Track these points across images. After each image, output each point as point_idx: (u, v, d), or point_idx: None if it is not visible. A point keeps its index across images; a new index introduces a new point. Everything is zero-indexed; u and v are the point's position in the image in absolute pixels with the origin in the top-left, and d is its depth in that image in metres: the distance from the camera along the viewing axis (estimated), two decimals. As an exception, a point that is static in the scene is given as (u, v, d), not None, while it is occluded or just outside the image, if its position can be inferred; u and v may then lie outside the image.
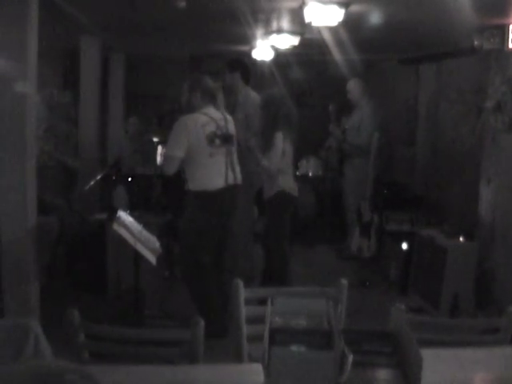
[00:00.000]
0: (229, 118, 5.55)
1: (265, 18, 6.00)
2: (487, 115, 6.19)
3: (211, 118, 5.30)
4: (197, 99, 5.34)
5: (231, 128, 5.47)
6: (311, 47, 7.79)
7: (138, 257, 4.82)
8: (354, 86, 8.04)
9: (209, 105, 5.39)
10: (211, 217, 5.30)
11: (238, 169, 5.49)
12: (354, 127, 7.94)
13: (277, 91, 6.42)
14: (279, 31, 6.53)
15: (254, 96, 6.70)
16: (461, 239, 6.13)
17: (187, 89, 5.39)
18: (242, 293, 3.27)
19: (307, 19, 5.02)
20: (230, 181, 5.37)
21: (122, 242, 4.70)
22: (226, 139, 5.32)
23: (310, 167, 9.27)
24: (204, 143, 5.19)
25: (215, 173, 5.29)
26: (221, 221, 5.41)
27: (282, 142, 5.95)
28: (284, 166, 6.04)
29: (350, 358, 2.21)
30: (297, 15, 5.44)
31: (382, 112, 8.27)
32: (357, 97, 8.03)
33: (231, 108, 6.44)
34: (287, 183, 6.10)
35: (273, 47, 7.62)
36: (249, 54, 8.43)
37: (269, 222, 6.15)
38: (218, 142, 5.24)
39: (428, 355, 2.26)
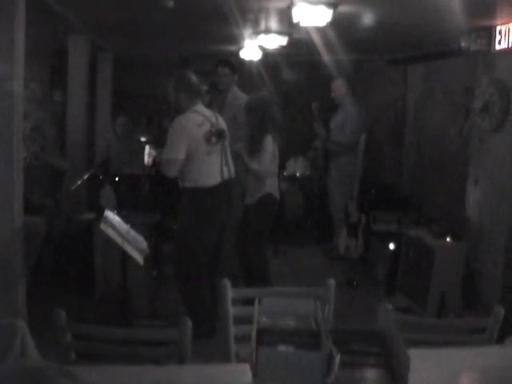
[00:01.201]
0: (217, 113, 5.58)
1: (253, 18, 6.00)
2: (474, 116, 6.22)
3: (204, 116, 5.33)
4: (182, 98, 5.34)
5: (222, 123, 5.52)
6: (299, 47, 7.79)
7: (125, 257, 4.81)
8: (338, 86, 8.05)
9: (197, 102, 5.39)
10: (209, 212, 5.31)
11: (231, 163, 5.53)
12: (338, 126, 7.95)
13: (265, 94, 6.42)
14: (267, 31, 6.53)
15: (241, 96, 6.72)
16: (448, 239, 6.15)
17: (173, 88, 5.39)
18: (230, 293, 3.27)
19: (295, 19, 5.02)
20: (226, 176, 5.43)
21: (110, 241, 4.70)
22: (220, 135, 5.36)
23: (298, 167, 9.27)
24: (202, 142, 5.23)
25: (212, 169, 5.34)
26: (218, 216, 5.41)
27: (272, 146, 5.95)
28: (272, 169, 6.06)
29: (338, 357, 2.22)
30: (285, 15, 5.44)
31: (366, 112, 8.28)
32: (341, 96, 8.04)
33: (219, 107, 6.45)
34: (273, 186, 6.11)
35: (261, 47, 7.62)
36: (237, 54, 8.43)
37: (252, 224, 6.11)
38: (213, 139, 5.29)
39: (415, 355, 2.26)
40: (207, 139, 5.25)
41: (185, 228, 5.41)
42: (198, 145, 5.22)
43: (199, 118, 5.29)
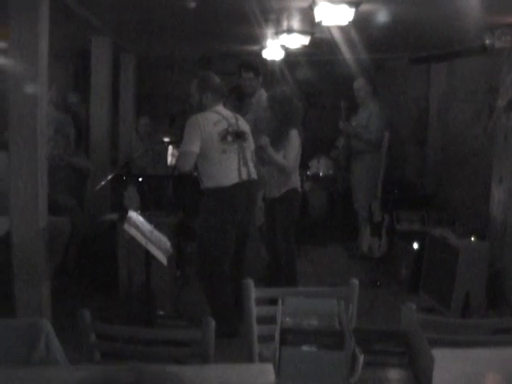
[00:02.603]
0: (238, 115, 5.59)
1: (275, 18, 6.00)
2: (499, 114, 6.17)
3: (222, 115, 5.35)
4: (208, 99, 5.37)
5: (242, 125, 5.51)
6: (321, 47, 7.78)
7: (149, 257, 4.83)
8: (360, 85, 8.04)
9: (219, 103, 5.43)
10: (227, 213, 5.31)
11: (251, 164, 5.50)
12: (362, 125, 7.93)
13: (286, 89, 6.40)
14: (289, 31, 6.53)
15: (265, 97, 6.69)
16: (472, 239, 6.11)
17: (196, 89, 5.42)
18: (253, 293, 3.27)
19: (317, 19, 5.03)
20: (244, 176, 5.38)
21: (133, 242, 4.72)
22: (238, 136, 5.36)
23: (321, 167, 9.26)
24: (216, 140, 5.24)
25: (228, 169, 5.32)
26: (237, 217, 5.40)
27: (298, 140, 5.95)
28: (298, 164, 6.05)
29: (361, 358, 2.21)
30: (307, 15, 5.44)
31: (388, 110, 8.25)
32: (363, 95, 8.02)
33: (244, 109, 6.45)
34: (298, 181, 6.11)
35: (283, 47, 7.63)
36: (259, 54, 8.43)
37: (278, 220, 6.11)
38: (229, 138, 5.30)
39: (439, 355, 2.25)
40: (222, 137, 5.26)
41: (203, 228, 5.44)
42: (212, 142, 5.23)
43: (215, 117, 5.32)
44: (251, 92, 6.78)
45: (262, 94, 6.79)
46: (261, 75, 6.84)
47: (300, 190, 6.17)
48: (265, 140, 5.85)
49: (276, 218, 6.07)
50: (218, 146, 5.26)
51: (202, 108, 5.39)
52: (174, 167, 6.53)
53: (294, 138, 5.93)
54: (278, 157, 5.88)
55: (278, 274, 6.11)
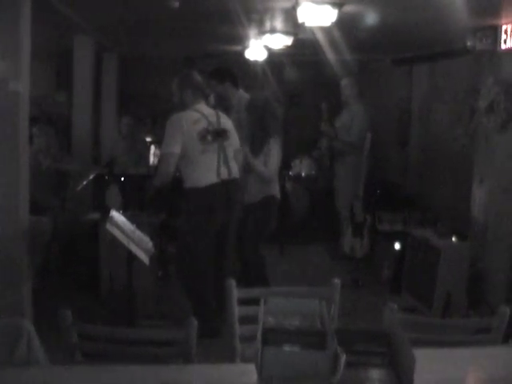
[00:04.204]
0: (221, 113, 5.53)
1: (258, 18, 6.00)
2: (480, 115, 6.21)
3: (202, 114, 5.30)
4: (188, 96, 5.35)
5: (224, 123, 5.45)
6: (304, 47, 7.79)
7: (130, 257, 4.81)
8: (347, 83, 8.04)
9: (200, 101, 5.40)
10: (206, 213, 5.28)
11: (233, 163, 5.43)
12: (345, 126, 7.94)
13: (265, 93, 6.38)
14: (272, 31, 6.53)
15: (246, 99, 6.65)
16: (453, 239, 6.14)
17: (178, 87, 5.40)
18: (235, 293, 3.27)
19: (300, 19, 5.03)
20: (224, 176, 5.32)
21: (115, 241, 4.70)
22: (219, 134, 5.30)
23: (303, 167, 9.28)
24: (196, 140, 5.19)
25: (207, 169, 5.26)
26: (217, 217, 5.37)
27: (278, 148, 5.92)
28: (277, 171, 6.03)
29: (343, 358, 2.21)
30: (290, 15, 5.45)
31: (372, 111, 8.28)
32: (348, 94, 8.03)
33: (225, 112, 6.41)
34: (277, 188, 6.07)
35: (266, 47, 7.63)
36: (242, 54, 8.43)
37: (251, 224, 5.99)
38: (209, 138, 5.24)
39: (421, 355, 2.26)
40: (202, 137, 5.21)
41: (183, 228, 5.43)
42: (192, 142, 5.18)
43: (196, 116, 5.28)
44: (226, 97, 6.62)
45: (241, 94, 6.72)
46: (227, 81, 6.62)
47: (278, 195, 6.13)
48: (244, 152, 5.78)
49: (248, 224, 5.98)
50: (198, 145, 5.20)
51: (183, 105, 5.37)
52: (155, 173, 6.49)
53: (275, 145, 5.90)
54: (259, 164, 5.86)
55: (247, 278, 6.02)
